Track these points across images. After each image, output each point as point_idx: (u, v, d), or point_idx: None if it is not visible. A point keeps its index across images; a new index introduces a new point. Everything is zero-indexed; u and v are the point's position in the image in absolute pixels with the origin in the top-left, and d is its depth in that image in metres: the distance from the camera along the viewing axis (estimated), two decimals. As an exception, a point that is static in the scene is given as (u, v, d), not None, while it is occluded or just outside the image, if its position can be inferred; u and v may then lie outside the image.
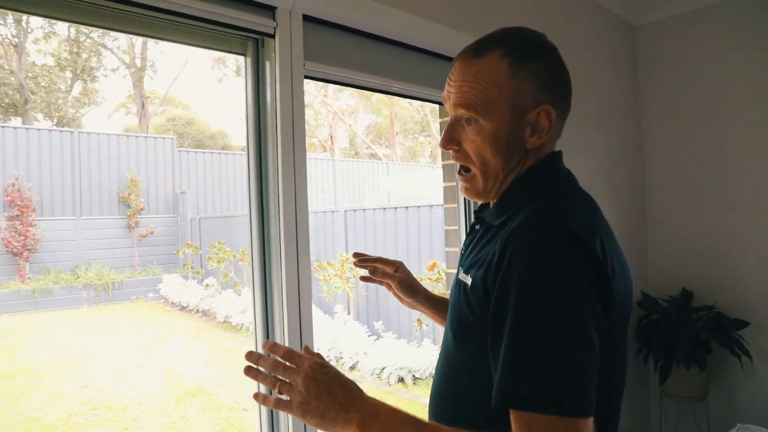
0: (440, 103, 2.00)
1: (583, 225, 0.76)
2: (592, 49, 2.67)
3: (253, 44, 1.42)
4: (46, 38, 15.70)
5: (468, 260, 0.90)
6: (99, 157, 11.37)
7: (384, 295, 6.36)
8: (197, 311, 9.00)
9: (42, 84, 16.75)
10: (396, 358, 5.47)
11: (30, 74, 16.18)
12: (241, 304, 7.94)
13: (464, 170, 0.92)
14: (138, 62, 18.09)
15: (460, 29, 1.84)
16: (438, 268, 5.46)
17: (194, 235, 11.40)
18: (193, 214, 11.89)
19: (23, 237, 10.03)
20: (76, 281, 10.00)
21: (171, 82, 26.05)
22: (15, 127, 11.25)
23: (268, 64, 1.39)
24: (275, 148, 1.36)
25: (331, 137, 21.22)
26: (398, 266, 1.23)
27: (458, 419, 0.86)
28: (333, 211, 7.70)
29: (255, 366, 0.85)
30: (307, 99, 19.73)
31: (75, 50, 16.61)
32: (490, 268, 0.79)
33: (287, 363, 0.83)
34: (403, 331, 6.24)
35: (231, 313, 7.97)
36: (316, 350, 0.90)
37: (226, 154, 13.86)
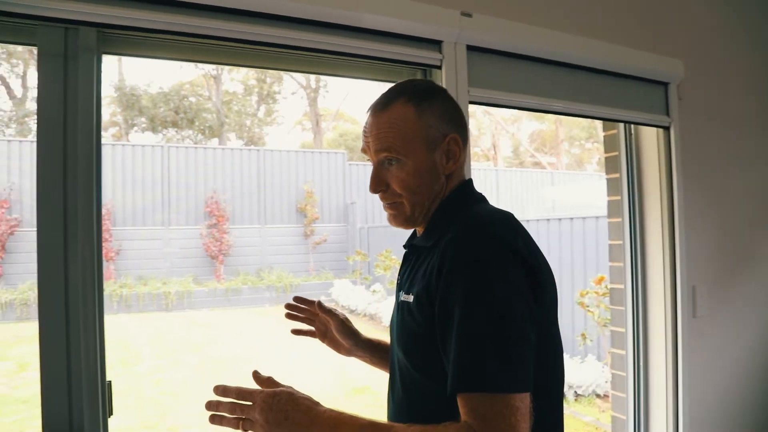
0: (602, 119, 1.98)
1: (505, 230, 0.88)
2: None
3: (421, 74, 1.57)
4: (237, 68, 17.74)
5: (407, 283, 0.99)
6: (280, 171, 12.60)
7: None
8: (364, 315, 9.51)
9: (234, 108, 18.99)
10: (559, 374, 5.28)
11: (224, 100, 18.43)
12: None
13: (393, 206, 1.02)
14: (313, 84, 19.70)
15: (615, 41, 1.82)
16: (605, 283, 5.18)
17: (362, 243, 12.08)
18: (361, 224, 12.62)
19: (219, 243, 11.50)
20: (260, 282, 11.17)
21: (341, 100, 27.81)
22: (213, 148, 12.97)
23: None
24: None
25: (494, 146, 21.05)
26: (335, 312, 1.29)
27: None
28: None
29: (217, 413, 0.88)
30: (470, 108, 19.78)
31: (261, 77, 18.57)
32: (431, 279, 0.89)
33: (242, 402, 0.86)
34: (566, 346, 6.01)
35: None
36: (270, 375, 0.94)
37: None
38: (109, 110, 17.28)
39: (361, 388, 5.51)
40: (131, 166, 11.57)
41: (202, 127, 18.21)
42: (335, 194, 13.12)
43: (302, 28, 1.38)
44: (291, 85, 20.69)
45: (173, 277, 10.90)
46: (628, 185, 2.13)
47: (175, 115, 16.75)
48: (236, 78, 18.62)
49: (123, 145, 12.35)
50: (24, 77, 17.85)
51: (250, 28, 1.31)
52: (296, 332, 1.31)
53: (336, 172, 13.22)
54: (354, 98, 27.53)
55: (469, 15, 1.54)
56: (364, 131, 1.01)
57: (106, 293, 9.91)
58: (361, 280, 11.03)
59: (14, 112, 17.30)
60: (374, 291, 9.72)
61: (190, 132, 18.37)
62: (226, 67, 17.64)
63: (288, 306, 1.31)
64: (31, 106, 17.67)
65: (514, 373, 0.79)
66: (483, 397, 0.78)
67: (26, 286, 9.99)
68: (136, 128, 17.81)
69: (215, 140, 18.74)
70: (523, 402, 0.79)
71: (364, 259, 11.13)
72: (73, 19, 1.17)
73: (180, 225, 11.45)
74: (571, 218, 6.19)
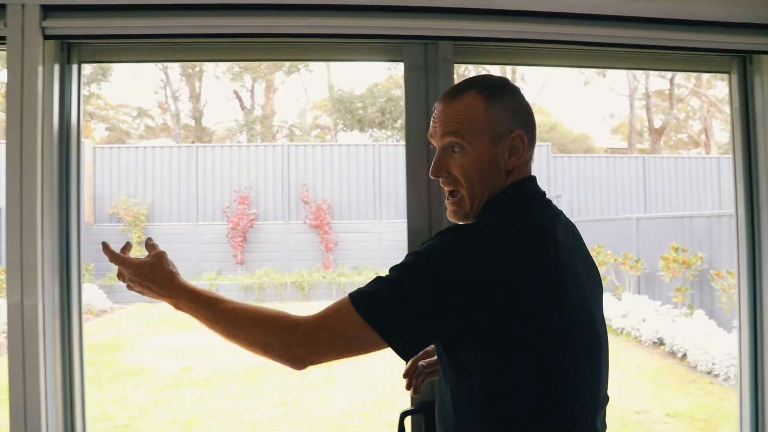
0: None
1: (486, 243, 0.89)
2: None
3: (738, 62, 1.54)
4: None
5: None
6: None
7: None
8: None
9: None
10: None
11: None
12: (621, 308, 7.83)
13: (451, 195, 1.04)
14: (509, 74, 19.49)
15: None
16: None
17: (568, 238, 11.71)
18: (569, 217, 12.23)
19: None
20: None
21: (539, 91, 27.03)
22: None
23: (757, 79, 1.49)
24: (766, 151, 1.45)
25: (705, 131, 18.81)
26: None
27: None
28: (719, 216, 6.97)
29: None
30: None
31: (461, 73, 18.91)
32: None
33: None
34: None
35: (611, 316, 7.94)
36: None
37: (599, 158, 13.80)
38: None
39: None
40: (346, 165, 12.62)
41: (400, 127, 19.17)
42: (543, 188, 12.88)
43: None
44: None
45: (384, 267, 11.66)
46: None
47: (381, 116, 17.86)
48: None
49: (334, 145, 13.52)
50: (252, 91, 20.51)
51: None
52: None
53: (539, 164, 12.97)
54: (550, 89, 26.70)
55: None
56: (433, 117, 1.04)
57: (325, 281, 11.09)
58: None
59: (244, 121, 20.00)
60: (584, 287, 9.38)
61: (393, 131, 19.45)
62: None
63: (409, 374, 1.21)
64: (257, 113, 20.24)
65: (374, 305, 0.88)
66: (340, 300, 0.90)
67: (262, 272, 11.52)
68: (345, 128, 19.38)
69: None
70: (356, 333, 0.88)
71: (571, 253, 10.80)
72: (433, 35, 1.39)
73: (390, 219, 12.19)
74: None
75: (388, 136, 19.76)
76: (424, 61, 1.41)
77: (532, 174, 1.05)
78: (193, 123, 20.75)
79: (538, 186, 1.04)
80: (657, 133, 18.94)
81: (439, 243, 0.90)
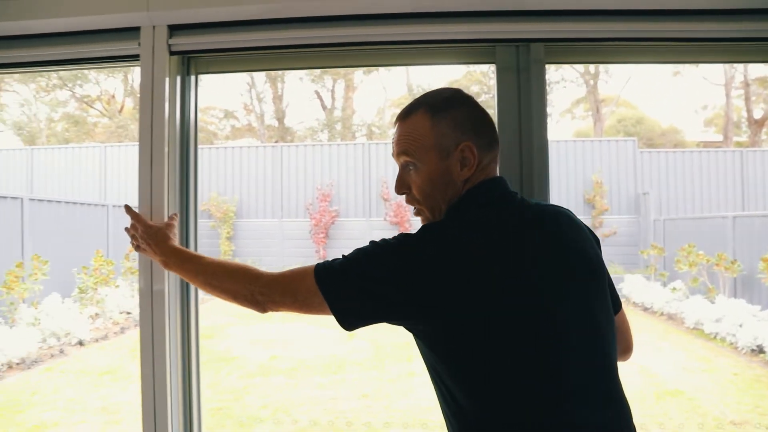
0: None
1: (430, 239, 0.97)
2: None
3: None
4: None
5: None
6: (566, 161, 12.42)
7: None
8: (662, 314, 8.84)
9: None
10: None
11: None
12: (715, 312, 7.42)
13: (416, 212, 1.12)
14: (592, 69, 18.79)
15: None
16: None
17: (657, 236, 11.19)
18: (656, 215, 11.69)
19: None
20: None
21: (624, 84, 25.89)
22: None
23: None
24: None
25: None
26: None
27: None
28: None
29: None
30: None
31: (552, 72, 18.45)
32: None
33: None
34: None
35: (702, 319, 7.54)
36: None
37: (690, 152, 13.05)
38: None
39: (672, 392, 5.18)
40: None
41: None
42: (625, 184, 12.38)
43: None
44: (567, 72, 20.08)
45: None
46: None
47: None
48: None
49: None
50: (332, 91, 21.00)
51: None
52: None
53: (626, 160, 12.46)
54: (636, 81, 25.48)
55: None
56: (393, 138, 1.12)
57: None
58: (656, 276, 10.24)
59: (326, 121, 20.51)
60: (674, 289, 8.94)
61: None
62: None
63: None
64: (338, 113, 20.68)
65: (328, 275, 1.00)
66: (308, 266, 1.04)
67: None
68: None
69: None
70: (306, 295, 1.01)
71: (660, 253, 10.29)
72: (525, 38, 1.43)
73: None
74: None
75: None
76: (516, 63, 1.45)
77: (496, 175, 1.11)
78: (276, 123, 21.53)
79: (499, 185, 1.07)
80: (757, 124, 17.66)
81: (400, 240, 0.99)
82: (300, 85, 21.34)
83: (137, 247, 1.37)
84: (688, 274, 8.97)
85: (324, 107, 21.19)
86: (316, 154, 13.18)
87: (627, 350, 1.19)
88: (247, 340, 7.21)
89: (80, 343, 7.00)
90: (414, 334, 1.02)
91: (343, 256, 1.02)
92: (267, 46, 1.48)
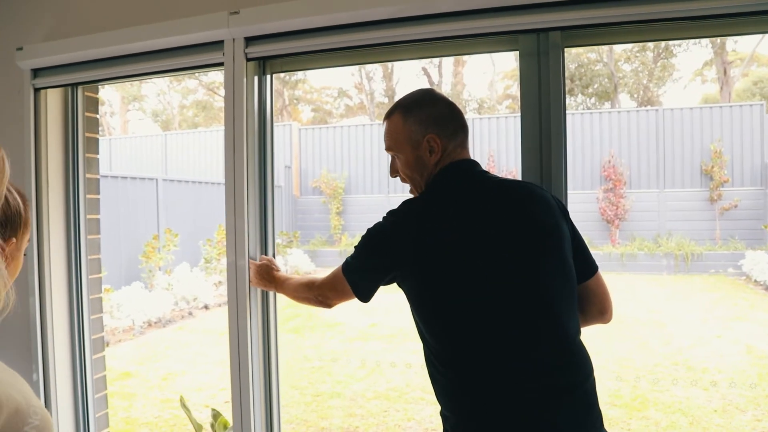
0: None
1: (389, 219, 1.29)
2: None
3: None
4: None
5: None
6: (682, 131, 11.67)
7: None
8: (786, 294, 8.21)
9: (628, 69, 18.18)
10: None
11: (618, 63, 17.81)
12: None
13: (410, 188, 1.42)
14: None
15: None
16: None
17: (785, 211, 10.27)
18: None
19: (615, 207, 11.49)
20: (657, 249, 10.74)
21: (758, 40, 23.32)
22: (609, 111, 12.88)
23: None
24: None
25: None
26: None
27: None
28: None
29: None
30: None
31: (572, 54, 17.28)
32: None
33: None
34: None
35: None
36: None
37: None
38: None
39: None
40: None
41: (596, 93, 18.15)
42: (749, 153, 11.39)
43: None
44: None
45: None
46: None
47: (570, 83, 17.13)
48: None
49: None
50: (440, 66, 21.00)
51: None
52: None
53: (752, 127, 11.44)
54: (778, 37, 22.82)
55: None
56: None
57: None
58: (783, 253, 9.44)
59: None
60: (801, 267, 8.25)
61: (583, 98, 18.51)
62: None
63: None
64: (446, 88, 20.67)
65: (347, 266, 1.33)
66: (337, 269, 1.37)
67: (353, 240, 12.13)
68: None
69: (607, 104, 18.40)
70: (343, 286, 1.34)
71: (788, 228, 9.48)
72: (543, 28, 1.59)
73: (576, 189, 11.83)
74: None
75: (578, 103, 18.88)
76: (537, 49, 1.62)
77: (466, 158, 1.36)
78: (386, 101, 22.01)
79: (464, 165, 1.33)
80: None
81: (384, 217, 1.30)
82: (408, 63, 21.57)
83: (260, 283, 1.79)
84: (817, 251, 8.22)
85: (432, 84, 21.29)
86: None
87: (603, 312, 1.37)
88: (351, 308, 7.73)
89: (206, 307, 7.92)
90: (402, 291, 1.31)
91: (355, 248, 1.34)
92: (325, 49, 1.76)
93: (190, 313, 7.61)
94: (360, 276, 1.32)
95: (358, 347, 6.05)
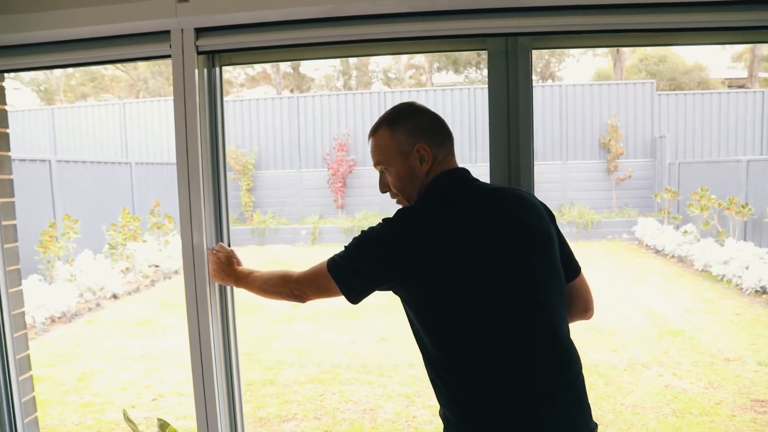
0: None
1: (389, 225, 1.25)
2: None
3: None
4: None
5: None
6: (583, 106, 12.40)
7: None
8: (672, 256, 9.03)
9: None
10: None
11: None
12: (723, 255, 7.59)
13: (398, 201, 1.39)
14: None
15: None
16: None
17: (672, 180, 11.24)
18: (671, 159, 11.69)
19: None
20: (561, 218, 11.39)
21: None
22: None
23: None
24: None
25: None
26: None
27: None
28: None
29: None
30: None
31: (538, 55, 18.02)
32: None
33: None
34: None
35: (711, 262, 7.73)
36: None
37: (710, 93, 12.84)
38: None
39: (674, 331, 5.43)
40: (441, 108, 12.66)
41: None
42: (641, 127, 12.32)
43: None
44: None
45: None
46: None
47: (477, 57, 17.52)
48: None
49: (429, 90, 13.49)
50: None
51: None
52: None
53: (643, 103, 12.34)
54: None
55: None
56: (370, 150, 1.40)
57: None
58: (669, 219, 10.36)
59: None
60: (685, 232, 9.09)
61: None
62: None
63: None
64: (353, 61, 20.47)
65: (335, 265, 1.29)
66: (322, 262, 1.32)
67: (361, 215, 12.09)
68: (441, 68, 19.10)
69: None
70: (326, 283, 1.30)
71: (674, 197, 10.38)
72: (512, 32, 1.57)
73: (485, 162, 12.19)
74: None
75: (485, 77, 19.36)
76: (505, 49, 1.61)
77: (456, 166, 1.36)
78: (291, 71, 21.44)
79: (457, 174, 1.33)
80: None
81: (381, 224, 1.26)
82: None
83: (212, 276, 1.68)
84: (699, 218, 9.09)
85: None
86: (332, 103, 13.26)
87: (587, 310, 1.42)
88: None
89: (114, 296, 7.46)
90: (399, 297, 1.29)
91: (345, 247, 1.30)
92: (278, 45, 1.66)
93: (98, 305, 7.13)
94: (352, 277, 1.28)
95: (284, 329, 5.96)
